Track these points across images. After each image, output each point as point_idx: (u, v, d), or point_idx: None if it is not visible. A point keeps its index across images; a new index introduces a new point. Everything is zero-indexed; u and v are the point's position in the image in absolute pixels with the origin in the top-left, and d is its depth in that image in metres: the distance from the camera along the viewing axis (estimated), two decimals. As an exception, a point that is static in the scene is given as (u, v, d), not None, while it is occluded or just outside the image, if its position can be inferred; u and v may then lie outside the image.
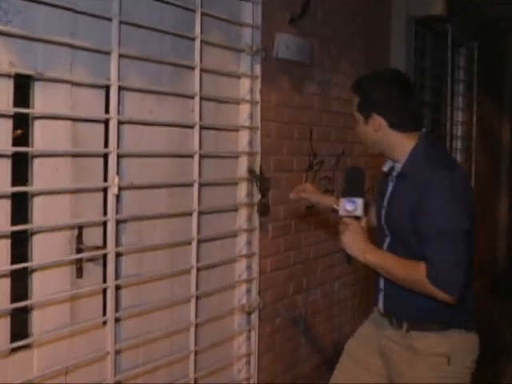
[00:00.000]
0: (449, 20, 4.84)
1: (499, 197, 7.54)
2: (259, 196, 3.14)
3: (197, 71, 2.74)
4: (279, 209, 3.34)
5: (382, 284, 2.23)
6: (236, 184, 3.14)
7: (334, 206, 2.26)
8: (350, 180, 2.15)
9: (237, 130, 3.13)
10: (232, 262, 3.14)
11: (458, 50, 5.78)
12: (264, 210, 3.17)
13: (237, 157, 3.14)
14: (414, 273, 1.97)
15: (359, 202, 2.07)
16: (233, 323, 3.17)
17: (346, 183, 2.15)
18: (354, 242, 2.06)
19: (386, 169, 2.24)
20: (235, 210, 3.14)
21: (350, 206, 2.07)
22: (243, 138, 3.13)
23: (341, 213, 2.10)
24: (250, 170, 3.12)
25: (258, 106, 3.11)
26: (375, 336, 2.29)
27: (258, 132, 3.12)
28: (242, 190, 3.14)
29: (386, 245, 2.21)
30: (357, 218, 2.08)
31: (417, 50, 4.82)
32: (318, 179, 3.61)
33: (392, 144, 2.14)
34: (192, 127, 2.74)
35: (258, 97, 3.11)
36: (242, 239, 3.15)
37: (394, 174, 2.18)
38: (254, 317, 3.17)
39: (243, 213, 3.15)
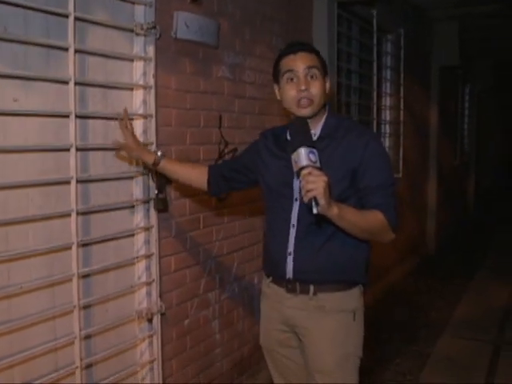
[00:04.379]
0: (373, 6, 4.07)
1: (427, 180, 6.62)
2: (156, 191, 2.41)
3: (71, 52, 1.96)
4: (184, 203, 2.53)
5: (291, 247, 1.86)
6: (131, 178, 2.36)
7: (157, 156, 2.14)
8: (301, 130, 1.68)
9: (131, 119, 2.37)
10: (130, 265, 2.35)
11: (385, 37, 4.89)
12: (162, 206, 2.38)
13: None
14: (375, 219, 1.76)
15: (316, 152, 1.60)
16: (133, 330, 2.37)
17: (298, 133, 1.66)
18: (325, 190, 1.56)
19: (287, 136, 1.92)
20: (131, 206, 2.37)
21: (313, 157, 1.59)
22: (137, 127, 2.30)
23: (305, 163, 1.57)
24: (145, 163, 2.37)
25: (152, 91, 2.28)
26: (276, 314, 1.97)
27: (153, 120, 2.30)
28: (138, 184, 2.35)
29: (293, 211, 1.87)
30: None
31: (342, 36, 3.93)
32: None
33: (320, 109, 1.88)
34: (67, 117, 1.99)
35: (151, 81, 2.29)
36: (140, 239, 2.35)
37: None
38: (156, 321, 2.39)
39: (140, 210, 2.35)
